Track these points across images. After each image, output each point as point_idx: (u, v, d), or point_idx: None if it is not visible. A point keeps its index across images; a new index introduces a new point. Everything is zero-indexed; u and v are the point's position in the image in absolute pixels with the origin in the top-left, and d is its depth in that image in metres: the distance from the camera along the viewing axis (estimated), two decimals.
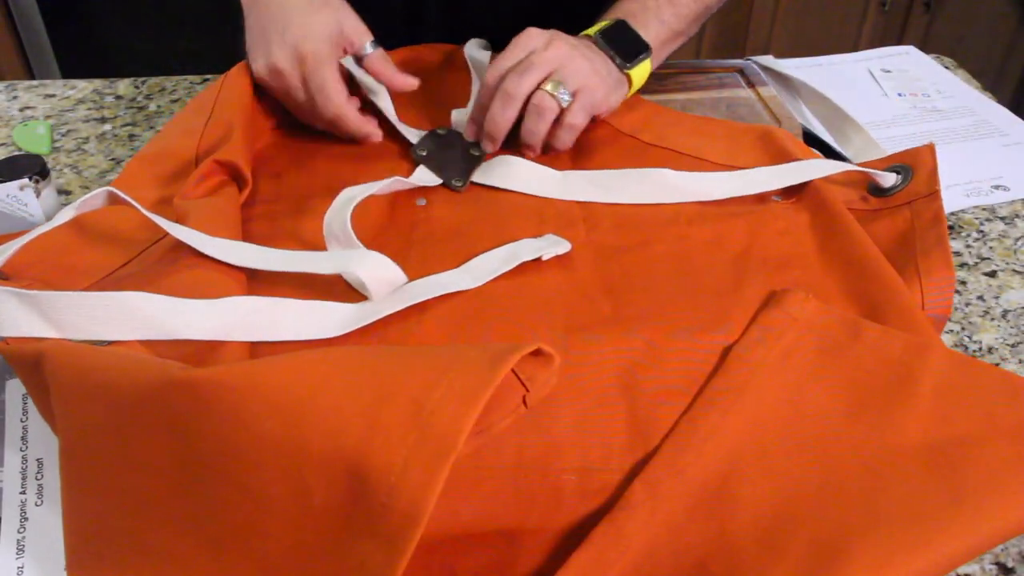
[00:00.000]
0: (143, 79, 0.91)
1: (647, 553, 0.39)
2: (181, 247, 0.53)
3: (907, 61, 0.94)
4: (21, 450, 0.49)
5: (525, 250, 0.55)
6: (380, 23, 0.70)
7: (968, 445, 0.42)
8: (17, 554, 0.44)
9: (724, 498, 0.41)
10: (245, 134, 0.64)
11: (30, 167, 0.64)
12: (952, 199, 0.71)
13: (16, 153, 0.78)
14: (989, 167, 0.76)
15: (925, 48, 0.96)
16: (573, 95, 0.64)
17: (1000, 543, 0.40)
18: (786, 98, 0.82)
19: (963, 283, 0.63)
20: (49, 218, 0.64)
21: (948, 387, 0.45)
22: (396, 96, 0.71)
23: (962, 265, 0.65)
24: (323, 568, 0.34)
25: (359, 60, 0.68)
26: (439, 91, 0.76)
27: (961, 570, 0.44)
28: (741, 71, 0.81)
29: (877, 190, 0.62)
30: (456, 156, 0.66)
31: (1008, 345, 0.57)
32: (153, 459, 0.38)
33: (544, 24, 0.68)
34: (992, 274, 0.64)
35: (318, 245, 0.57)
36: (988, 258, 0.65)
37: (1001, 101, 0.86)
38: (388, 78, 0.68)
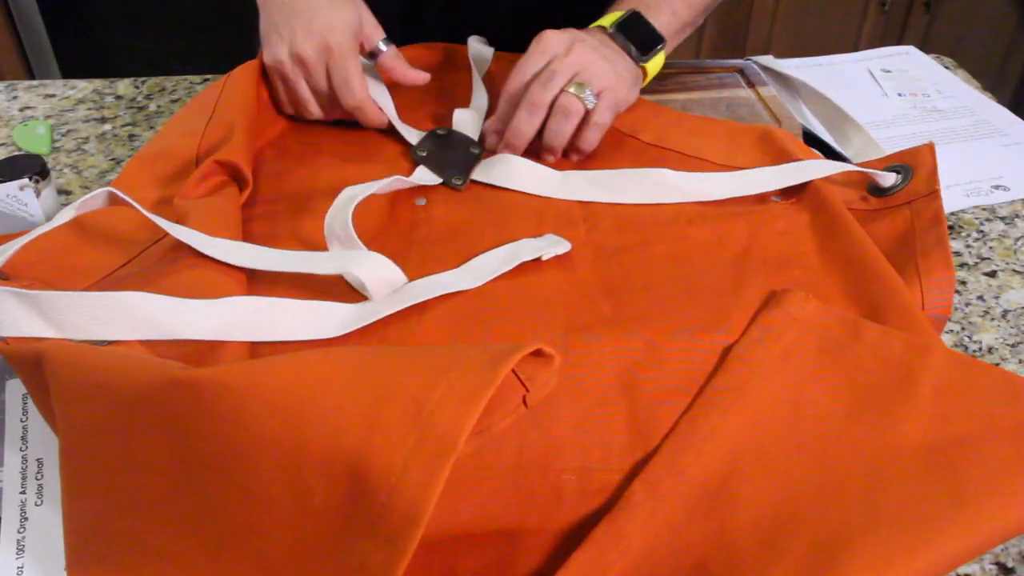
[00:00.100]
0: (143, 79, 0.91)
1: (647, 553, 0.39)
2: (181, 247, 0.53)
3: (907, 61, 0.94)
4: (21, 450, 0.49)
5: (525, 250, 0.55)
6: (379, 23, 0.71)
7: (968, 445, 0.42)
8: (17, 554, 0.44)
9: (724, 498, 0.41)
10: (246, 135, 0.64)
11: (30, 167, 0.64)
12: (952, 199, 0.71)
13: (16, 153, 0.78)
14: (989, 167, 0.76)
15: (925, 48, 0.97)
16: (598, 95, 0.64)
17: (1000, 543, 0.40)
18: (786, 98, 0.82)
19: (963, 283, 0.63)
20: (49, 218, 0.64)
21: (948, 387, 0.45)
22: (396, 95, 0.71)
23: (962, 265, 0.65)
24: (323, 568, 0.34)
25: (372, 57, 0.70)
26: (439, 91, 0.76)
27: (961, 570, 0.44)
28: (741, 71, 0.81)
29: (877, 190, 0.62)
30: (456, 155, 0.66)
31: (1008, 345, 0.57)
32: (153, 459, 0.38)
33: (544, 24, 0.68)
34: (992, 274, 0.64)
35: (318, 245, 0.57)
36: (988, 258, 0.65)
37: (1001, 101, 0.86)
38: (401, 74, 0.70)
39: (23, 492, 0.47)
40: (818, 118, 0.81)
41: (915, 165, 0.62)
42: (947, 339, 0.58)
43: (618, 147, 0.69)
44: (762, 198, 0.62)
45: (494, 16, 0.82)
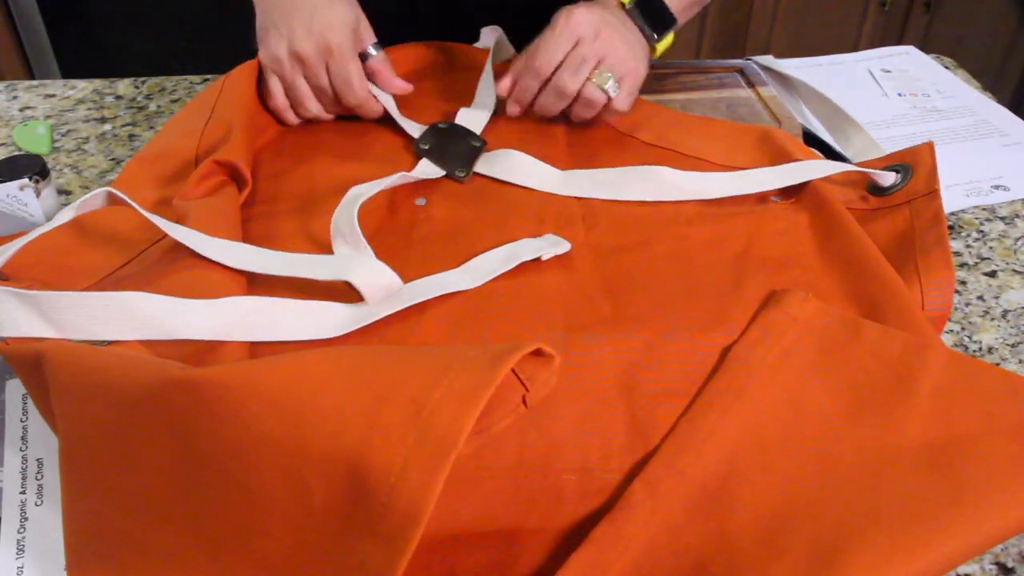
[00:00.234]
0: (143, 79, 0.91)
1: (647, 553, 0.39)
2: (181, 247, 0.53)
3: (907, 61, 0.94)
4: (21, 450, 0.49)
5: (525, 250, 0.55)
6: (373, 22, 0.71)
7: (968, 444, 0.42)
8: (17, 554, 0.44)
9: (724, 498, 0.41)
10: (245, 134, 0.64)
11: (30, 167, 0.64)
12: (952, 199, 0.71)
13: (16, 153, 0.78)
14: (989, 167, 0.76)
15: (925, 48, 0.97)
16: (619, 81, 0.67)
17: (1000, 542, 0.40)
18: (786, 98, 0.82)
19: (963, 283, 0.63)
20: (49, 218, 0.64)
21: (948, 387, 0.45)
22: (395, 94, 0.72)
23: (962, 265, 0.65)
24: (323, 568, 0.34)
25: (361, 59, 0.70)
26: (438, 88, 0.76)
27: (961, 570, 0.44)
28: (741, 71, 0.81)
29: (876, 189, 0.62)
30: (458, 148, 0.67)
31: (1008, 345, 0.57)
32: (153, 459, 0.38)
33: (538, 24, 0.68)
34: (992, 274, 0.64)
35: (319, 244, 0.57)
36: (988, 258, 0.65)
37: (1001, 101, 0.86)
38: (386, 80, 0.71)
39: (23, 492, 0.47)
40: (818, 118, 0.81)
41: (915, 164, 0.62)
42: (947, 339, 0.58)
43: (618, 147, 0.69)
44: (762, 198, 0.62)
45: (488, 17, 0.82)
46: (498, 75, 0.73)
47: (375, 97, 0.70)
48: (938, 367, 0.46)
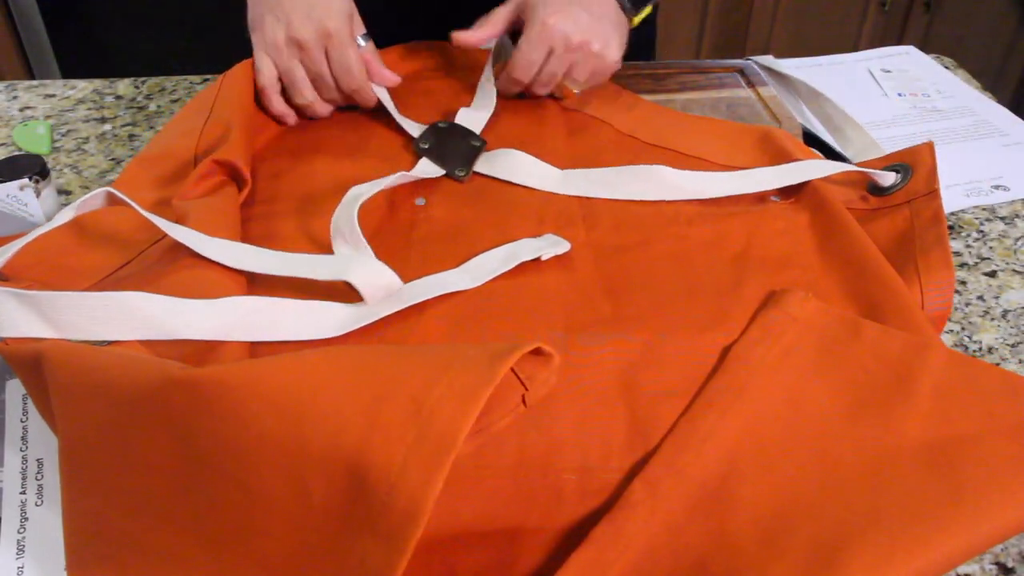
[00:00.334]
0: (143, 79, 0.91)
1: (647, 552, 0.39)
2: (180, 247, 0.53)
3: (907, 61, 0.94)
4: (21, 450, 0.49)
5: (524, 250, 0.55)
6: (374, 21, 0.71)
7: (968, 444, 0.42)
8: (17, 554, 0.44)
9: (724, 497, 0.41)
10: (244, 133, 0.64)
11: (30, 167, 0.64)
12: (952, 199, 0.71)
13: (16, 153, 0.78)
14: (989, 167, 0.76)
15: (925, 48, 0.97)
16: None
17: (1000, 542, 0.40)
18: (786, 98, 0.82)
19: (963, 283, 0.63)
20: (49, 218, 0.64)
21: (948, 386, 0.45)
22: (393, 94, 0.72)
23: (962, 265, 0.65)
24: (324, 566, 0.34)
25: None
26: (438, 88, 0.76)
27: (961, 570, 0.44)
28: (741, 71, 0.81)
29: (876, 189, 0.62)
30: (457, 148, 0.67)
31: (1008, 345, 0.57)
32: (153, 459, 0.38)
33: None
34: (992, 274, 0.64)
35: (318, 245, 0.57)
36: (988, 258, 0.65)
37: (1001, 101, 0.86)
38: (376, 71, 0.71)
39: (23, 492, 0.47)
40: (818, 118, 0.81)
41: (914, 164, 0.62)
42: (947, 339, 0.58)
43: (618, 147, 0.69)
44: (761, 198, 0.62)
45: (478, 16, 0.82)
46: (497, 76, 0.73)
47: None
48: (938, 367, 0.46)
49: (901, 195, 0.61)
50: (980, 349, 0.57)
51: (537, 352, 0.37)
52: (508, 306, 0.52)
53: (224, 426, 0.36)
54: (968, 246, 0.67)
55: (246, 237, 0.58)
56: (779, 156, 0.65)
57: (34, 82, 0.91)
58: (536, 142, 0.68)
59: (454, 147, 0.67)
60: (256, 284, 0.53)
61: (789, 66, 0.90)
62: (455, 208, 0.62)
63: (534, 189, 0.63)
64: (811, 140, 0.74)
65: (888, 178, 0.62)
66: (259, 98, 0.71)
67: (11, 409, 0.51)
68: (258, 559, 0.36)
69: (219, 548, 0.37)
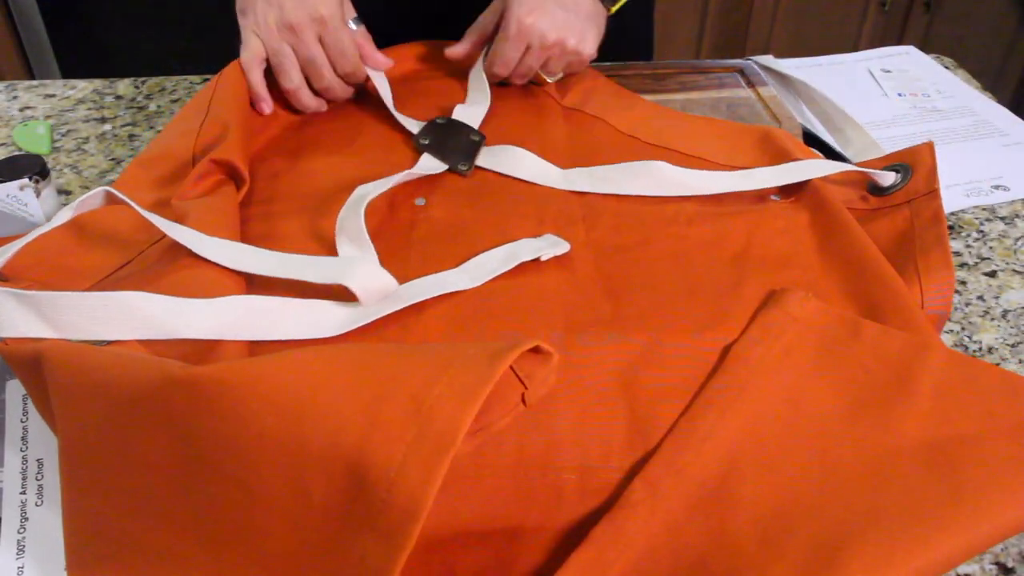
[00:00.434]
0: (143, 79, 0.91)
1: (647, 552, 0.39)
2: (179, 247, 0.53)
3: (907, 61, 0.94)
4: (21, 450, 0.49)
5: (524, 250, 0.55)
6: (372, 20, 0.72)
7: (968, 444, 0.42)
8: (17, 554, 0.44)
9: (724, 497, 0.41)
10: (241, 132, 0.64)
11: (30, 167, 0.64)
12: (952, 199, 0.71)
13: (16, 153, 0.78)
14: (989, 167, 0.76)
15: (925, 48, 0.97)
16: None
17: (1000, 542, 0.40)
18: (786, 98, 0.82)
19: (963, 283, 0.63)
20: (49, 218, 0.64)
21: (948, 386, 0.45)
22: (392, 91, 0.72)
23: (962, 265, 0.65)
24: (324, 564, 0.34)
25: None
26: (437, 88, 0.76)
27: (961, 570, 0.44)
28: (741, 71, 0.81)
29: (876, 189, 0.62)
30: (457, 143, 0.67)
31: (1008, 345, 0.57)
32: (152, 458, 0.38)
33: None
34: (992, 274, 0.64)
35: (318, 245, 0.57)
36: (988, 258, 0.65)
37: (1001, 101, 0.86)
38: (369, 54, 0.72)
39: (23, 492, 0.47)
40: (818, 118, 0.81)
41: (914, 164, 0.62)
42: (947, 339, 0.58)
43: (619, 147, 0.69)
44: (761, 197, 0.62)
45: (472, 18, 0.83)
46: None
47: (363, 103, 0.71)
48: (938, 367, 0.46)
49: (901, 195, 0.61)
50: (980, 349, 0.57)
51: (536, 350, 0.37)
52: (508, 306, 0.52)
53: (224, 425, 0.36)
54: (968, 246, 0.67)
55: (245, 237, 0.58)
56: (779, 156, 0.65)
57: (34, 82, 0.91)
58: (536, 141, 0.68)
59: (454, 142, 0.67)
60: (255, 283, 0.53)
61: (789, 66, 0.90)
62: (455, 208, 0.62)
63: (534, 188, 0.63)
64: (811, 140, 0.74)
65: (888, 178, 0.62)
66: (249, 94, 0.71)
67: (11, 409, 0.51)
68: (258, 558, 0.36)
69: (219, 547, 0.37)
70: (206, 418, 0.37)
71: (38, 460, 0.48)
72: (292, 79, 0.70)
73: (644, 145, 0.69)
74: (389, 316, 0.50)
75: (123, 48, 1.77)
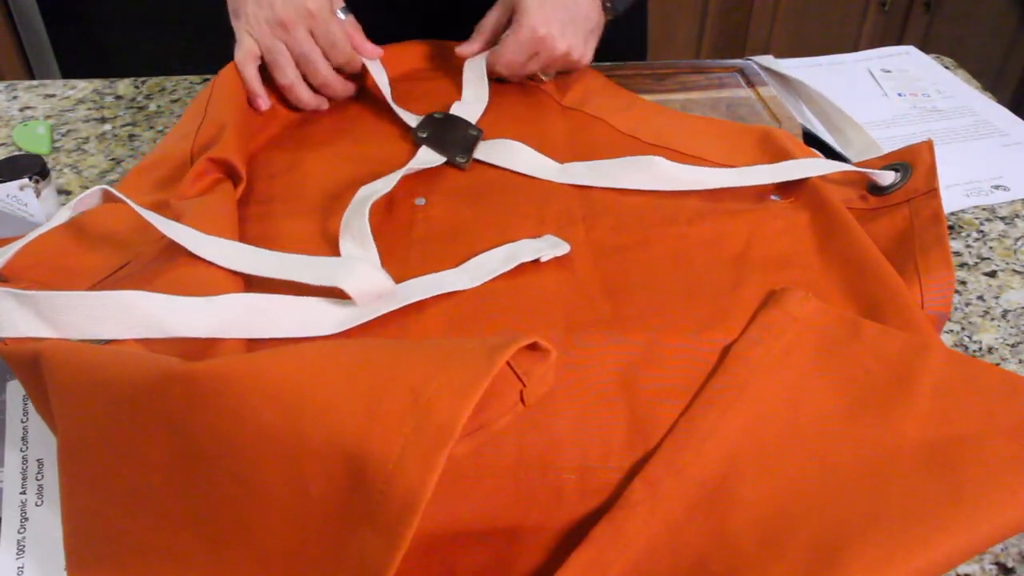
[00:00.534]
0: (143, 79, 0.91)
1: (647, 552, 0.39)
2: (178, 245, 0.53)
3: (907, 61, 0.94)
4: (21, 450, 0.49)
5: (524, 251, 0.55)
6: (366, 23, 0.72)
7: (968, 444, 0.42)
8: (17, 554, 0.44)
9: (723, 497, 0.41)
10: (238, 131, 0.64)
11: (30, 167, 0.64)
12: (952, 199, 0.71)
13: (16, 153, 0.78)
14: (989, 167, 0.76)
15: (925, 48, 0.97)
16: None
17: (1000, 542, 0.40)
18: (786, 98, 0.82)
19: (963, 283, 0.63)
20: (49, 218, 0.64)
21: (948, 386, 0.45)
22: (391, 89, 0.72)
23: (962, 265, 0.65)
24: (322, 558, 0.34)
25: None
26: (436, 87, 0.76)
27: (961, 570, 0.44)
28: (741, 71, 0.81)
29: (876, 189, 0.62)
30: (455, 137, 0.67)
31: (1008, 345, 0.57)
32: (151, 455, 0.38)
33: None
34: (992, 274, 0.64)
35: (317, 244, 0.57)
36: (988, 258, 0.65)
37: (1001, 101, 0.86)
38: (359, 43, 0.72)
39: (23, 492, 0.47)
40: (818, 118, 0.81)
41: (914, 163, 0.62)
42: (947, 339, 0.58)
43: (618, 146, 0.69)
44: (761, 197, 0.62)
45: (471, 19, 0.83)
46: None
47: (362, 100, 0.71)
48: (938, 367, 0.46)
49: (900, 194, 0.61)
50: (980, 349, 0.57)
51: (534, 347, 0.38)
52: (508, 306, 0.52)
53: (222, 420, 0.36)
54: (968, 246, 0.67)
55: (244, 237, 0.58)
56: (779, 156, 0.65)
57: (34, 82, 0.91)
58: (535, 139, 0.68)
59: (452, 136, 0.67)
60: (253, 282, 0.53)
61: (789, 66, 0.90)
62: (455, 208, 0.62)
63: (534, 187, 0.63)
64: (811, 140, 0.74)
65: (887, 177, 0.62)
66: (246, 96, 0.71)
67: (11, 409, 0.51)
68: (257, 553, 0.36)
69: (218, 544, 0.37)
70: (204, 413, 0.37)
71: (38, 460, 0.48)
72: (287, 75, 0.70)
73: (644, 144, 0.69)
74: (388, 315, 0.50)
75: (123, 48, 1.77)
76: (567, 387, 0.46)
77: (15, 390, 0.52)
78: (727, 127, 0.70)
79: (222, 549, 0.37)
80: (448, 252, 0.56)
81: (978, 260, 0.65)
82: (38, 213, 0.64)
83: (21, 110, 0.85)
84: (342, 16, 0.71)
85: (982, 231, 0.68)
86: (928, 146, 0.62)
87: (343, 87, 0.73)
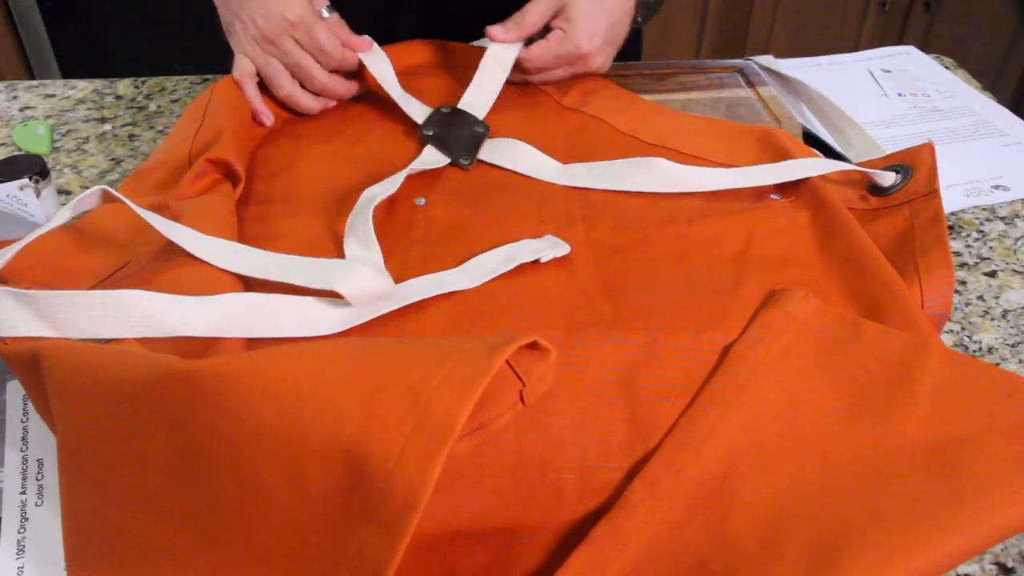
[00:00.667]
0: (143, 79, 0.91)
1: (647, 552, 0.39)
2: (177, 245, 0.53)
3: (907, 61, 0.94)
4: (21, 450, 0.49)
5: (524, 251, 0.55)
6: (352, 27, 0.72)
7: (968, 444, 0.42)
8: (17, 554, 0.44)
9: (724, 497, 0.41)
10: (236, 134, 0.64)
11: (30, 167, 0.64)
12: (952, 199, 0.71)
13: (16, 153, 0.78)
14: (989, 167, 0.76)
15: (925, 48, 0.97)
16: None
17: (1000, 542, 0.40)
18: (786, 98, 0.82)
19: (963, 283, 0.63)
20: (49, 218, 0.64)
21: (948, 386, 0.45)
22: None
23: (962, 265, 0.65)
24: (322, 556, 0.34)
25: None
26: (436, 86, 0.76)
27: (961, 570, 0.44)
28: (741, 71, 0.81)
29: (876, 189, 0.62)
30: (461, 135, 0.67)
31: (1008, 345, 0.57)
32: (151, 454, 0.38)
33: None
34: (992, 274, 0.64)
35: (314, 245, 0.57)
36: (988, 258, 0.65)
37: (1001, 101, 0.86)
38: (346, 39, 0.72)
39: (23, 492, 0.47)
40: (818, 119, 0.81)
41: (914, 165, 0.62)
42: (947, 339, 0.58)
43: (619, 147, 0.69)
44: (761, 196, 0.62)
45: (468, 20, 0.83)
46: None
47: (369, 89, 0.71)
48: (938, 367, 0.46)
49: (901, 195, 0.61)
50: (980, 349, 0.57)
51: (534, 346, 0.38)
52: (507, 306, 0.52)
53: (221, 419, 0.36)
54: (968, 246, 0.67)
55: (244, 237, 0.58)
56: (779, 155, 0.65)
57: (34, 82, 0.91)
58: (536, 139, 0.68)
59: (458, 133, 0.67)
60: (253, 281, 0.53)
61: (789, 66, 0.90)
62: (455, 208, 0.62)
63: (534, 187, 0.63)
64: (811, 140, 0.74)
65: (888, 178, 0.62)
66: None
67: (11, 409, 0.51)
68: (257, 552, 0.36)
69: (218, 543, 0.37)
70: (204, 412, 0.37)
71: (38, 460, 0.48)
72: (283, 86, 0.70)
73: (644, 145, 0.69)
74: (388, 315, 0.50)
75: (123, 48, 1.77)
76: (567, 387, 0.46)
77: (15, 390, 0.52)
78: (727, 127, 0.70)
79: (222, 548, 0.37)
80: (448, 252, 0.56)
81: (978, 260, 0.65)
82: (38, 213, 0.64)
83: (21, 110, 0.85)
84: (326, 13, 0.71)
85: (982, 231, 0.68)
86: (929, 148, 0.62)
87: (344, 88, 0.73)
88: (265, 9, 0.68)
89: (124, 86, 0.89)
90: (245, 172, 0.62)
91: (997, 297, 0.62)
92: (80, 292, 0.46)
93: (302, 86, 0.71)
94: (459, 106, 0.70)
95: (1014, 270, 0.64)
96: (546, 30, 0.73)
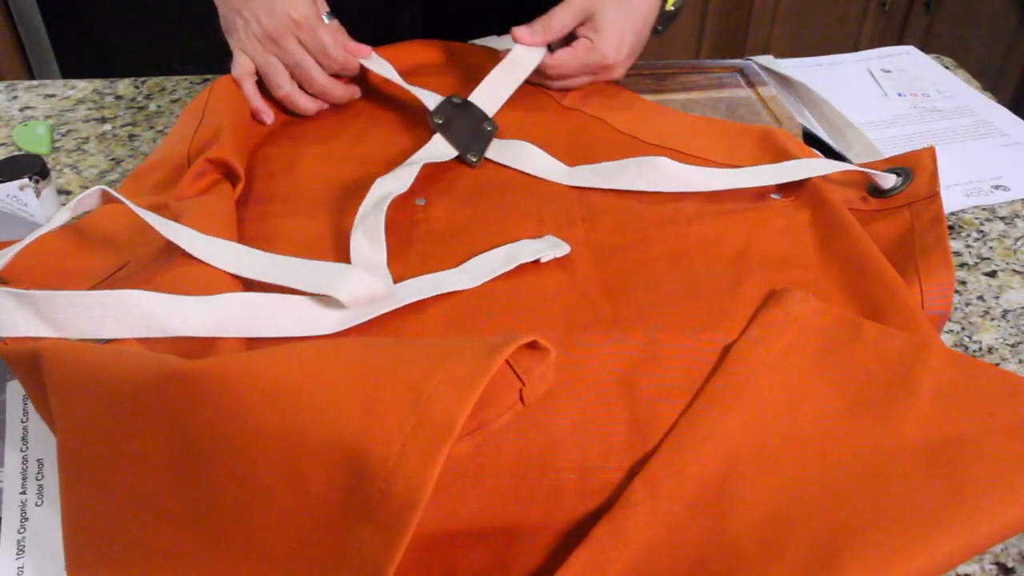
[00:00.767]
0: (143, 79, 0.91)
1: (647, 552, 0.39)
2: (176, 244, 0.53)
3: (907, 61, 0.94)
4: (21, 450, 0.49)
5: (524, 252, 0.55)
6: (354, 25, 0.72)
7: (968, 444, 0.42)
8: (17, 554, 0.44)
9: (723, 497, 0.41)
10: (235, 134, 0.64)
11: (30, 167, 0.64)
12: (952, 199, 0.71)
13: (16, 153, 0.78)
14: (989, 167, 0.76)
15: (925, 48, 0.97)
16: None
17: (1000, 542, 0.40)
18: (786, 98, 0.82)
19: (963, 283, 0.63)
20: (49, 218, 0.64)
21: (948, 386, 0.45)
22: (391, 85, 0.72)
23: (962, 265, 0.65)
24: (322, 556, 0.34)
25: None
26: (437, 85, 0.76)
27: (961, 570, 0.44)
28: (741, 71, 0.81)
29: (877, 191, 0.62)
30: (470, 128, 0.67)
31: (1008, 345, 0.57)
32: (151, 454, 0.38)
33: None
34: (992, 274, 0.64)
35: (315, 246, 0.57)
36: (988, 258, 0.65)
37: (1001, 101, 0.86)
38: (344, 42, 0.72)
39: (23, 492, 0.47)
40: (818, 121, 0.81)
41: (915, 168, 0.62)
42: (947, 339, 0.58)
43: (619, 147, 0.69)
44: (761, 196, 0.62)
45: (468, 20, 0.83)
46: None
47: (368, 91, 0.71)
48: (938, 367, 0.46)
49: (902, 198, 0.61)
50: (980, 349, 0.57)
51: (533, 345, 0.38)
52: (507, 306, 0.52)
53: (221, 418, 0.36)
54: (968, 246, 0.67)
55: (243, 237, 0.58)
56: (779, 155, 0.65)
57: (34, 82, 0.91)
58: (537, 139, 0.68)
59: (467, 128, 0.67)
60: (252, 281, 0.53)
61: (789, 66, 0.90)
62: (455, 208, 0.62)
63: (534, 187, 0.63)
64: (811, 140, 0.74)
65: (888, 179, 0.62)
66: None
67: (11, 409, 0.51)
68: (257, 551, 0.36)
69: (218, 542, 0.37)
70: (204, 412, 0.37)
71: (38, 460, 0.48)
72: (282, 86, 0.70)
73: (644, 145, 0.69)
74: (387, 315, 0.50)
75: (123, 48, 1.77)
76: (567, 387, 0.46)
77: (15, 390, 0.52)
78: (727, 127, 0.70)
79: (222, 548, 0.37)
80: (448, 252, 0.56)
81: (978, 260, 0.65)
82: (38, 213, 0.64)
83: (21, 110, 0.85)
84: (326, 20, 0.71)
85: (982, 231, 0.68)
86: (930, 152, 0.62)
87: (343, 92, 0.72)
88: (269, 7, 0.68)
89: (124, 86, 0.89)
90: (245, 172, 0.62)
91: (997, 297, 0.62)
92: (80, 292, 0.46)
93: (300, 87, 0.71)
94: (471, 99, 0.70)
95: (1014, 270, 0.64)
96: (570, 36, 0.72)
